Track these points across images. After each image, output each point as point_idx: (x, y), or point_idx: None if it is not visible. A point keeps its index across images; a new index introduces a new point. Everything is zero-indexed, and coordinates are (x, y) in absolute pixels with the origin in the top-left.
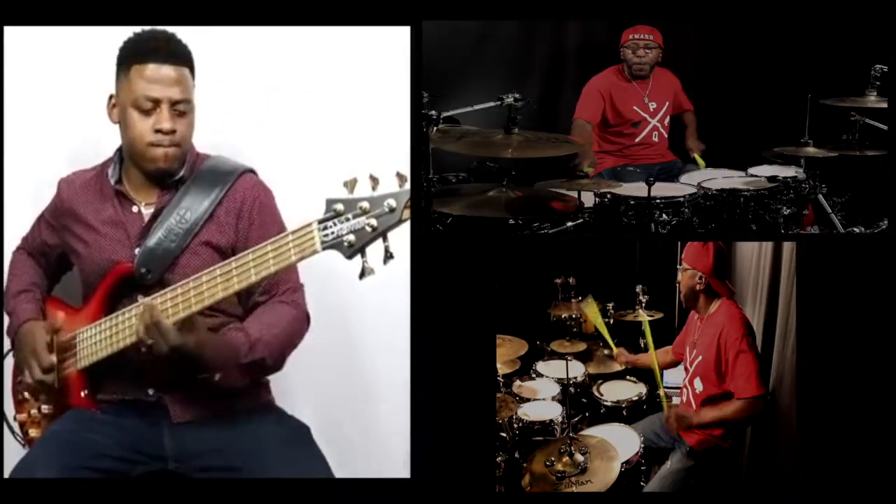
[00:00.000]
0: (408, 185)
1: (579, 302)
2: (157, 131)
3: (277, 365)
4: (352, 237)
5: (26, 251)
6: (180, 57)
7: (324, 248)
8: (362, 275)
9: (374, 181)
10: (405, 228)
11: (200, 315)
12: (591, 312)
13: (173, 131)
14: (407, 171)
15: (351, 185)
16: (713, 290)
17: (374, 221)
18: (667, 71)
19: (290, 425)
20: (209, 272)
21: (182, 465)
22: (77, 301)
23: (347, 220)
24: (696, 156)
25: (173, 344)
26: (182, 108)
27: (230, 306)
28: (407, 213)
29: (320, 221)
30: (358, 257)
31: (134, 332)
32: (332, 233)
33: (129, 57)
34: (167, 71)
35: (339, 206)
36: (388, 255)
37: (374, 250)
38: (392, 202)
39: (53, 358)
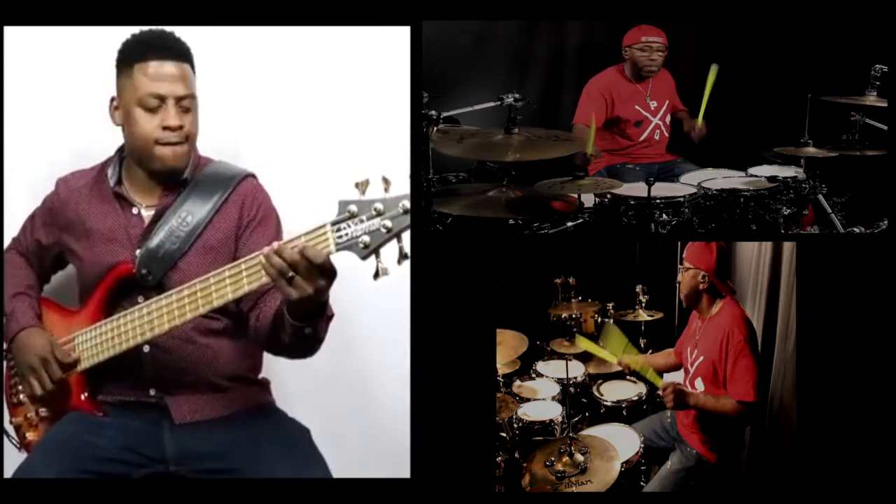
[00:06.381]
0: None
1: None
2: (165, 128)
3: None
4: (367, 238)
5: (18, 252)
6: (181, 54)
7: (338, 250)
8: (377, 275)
9: (387, 183)
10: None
11: (205, 318)
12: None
13: (181, 127)
14: (407, 172)
15: (363, 186)
16: (716, 290)
17: (388, 223)
18: (664, 70)
19: (290, 428)
20: (217, 273)
21: (183, 467)
22: (69, 302)
23: (362, 221)
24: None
25: (330, 278)
26: (187, 105)
27: (231, 308)
28: None
29: (334, 223)
30: (372, 258)
31: (257, 276)
32: (347, 234)
33: (130, 56)
34: (170, 68)
35: (353, 208)
36: (403, 256)
37: (388, 251)
38: (407, 203)
39: (60, 371)
